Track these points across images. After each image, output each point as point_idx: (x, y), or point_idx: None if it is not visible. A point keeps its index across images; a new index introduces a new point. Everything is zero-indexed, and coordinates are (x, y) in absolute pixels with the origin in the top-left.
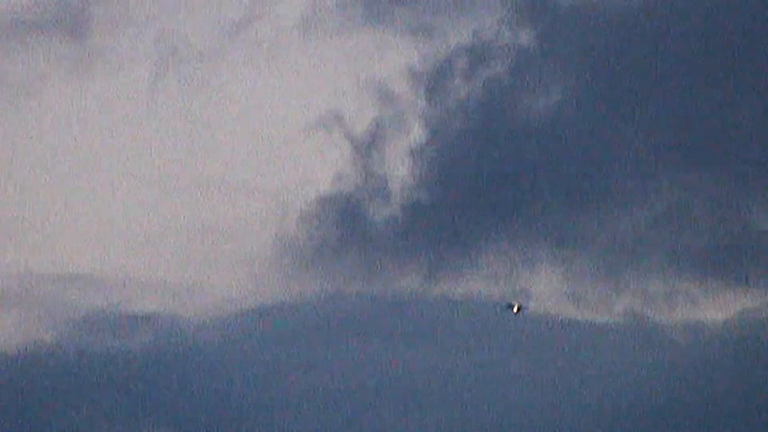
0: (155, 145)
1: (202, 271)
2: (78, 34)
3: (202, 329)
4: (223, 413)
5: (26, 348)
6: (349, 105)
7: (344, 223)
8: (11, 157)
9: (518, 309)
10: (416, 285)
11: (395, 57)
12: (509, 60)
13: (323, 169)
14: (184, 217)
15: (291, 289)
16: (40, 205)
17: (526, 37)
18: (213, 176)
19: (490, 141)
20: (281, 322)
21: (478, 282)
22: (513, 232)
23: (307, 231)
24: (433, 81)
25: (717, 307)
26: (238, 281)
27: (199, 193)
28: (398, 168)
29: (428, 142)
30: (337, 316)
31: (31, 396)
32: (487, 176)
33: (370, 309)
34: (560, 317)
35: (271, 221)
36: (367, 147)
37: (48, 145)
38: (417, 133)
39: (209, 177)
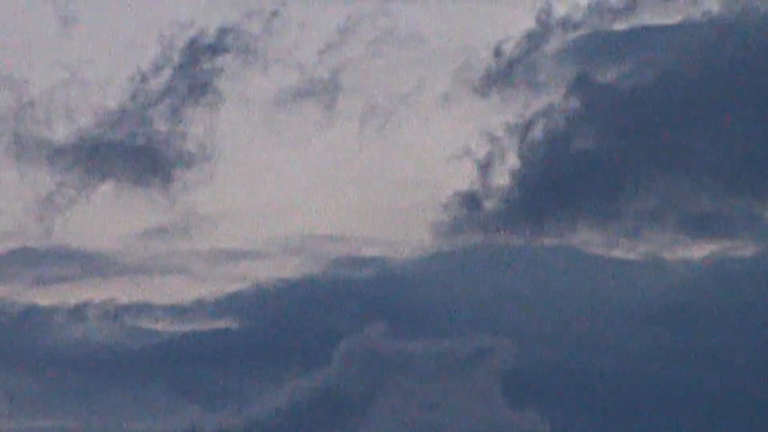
0: (369, 164)
1: (402, 231)
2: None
3: (405, 266)
4: (418, 314)
5: (304, 278)
6: (474, 143)
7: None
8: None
9: None
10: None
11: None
12: (566, 117)
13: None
14: (390, 201)
15: (454, 243)
16: (307, 193)
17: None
18: (403, 179)
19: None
20: (451, 263)
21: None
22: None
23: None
24: None
25: None
26: (423, 237)
27: (395, 188)
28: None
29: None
30: (482, 259)
31: (306, 305)
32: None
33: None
34: None
35: (434, 205)
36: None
37: None
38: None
39: (401, 179)
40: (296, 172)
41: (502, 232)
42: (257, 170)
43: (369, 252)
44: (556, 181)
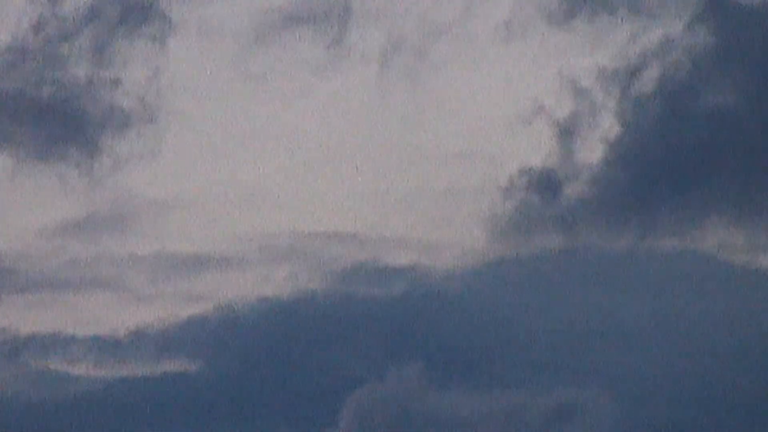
0: (395, 127)
1: (444, 228)
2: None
3: (448, 279)
4: (467, 351)
5: (297, 295)
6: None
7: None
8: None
9: None
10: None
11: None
12: (690, 59)
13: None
14: (425, 183)
15: (520, 245)
16: (301, 172)
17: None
18: (444, 151)
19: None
20: (515, 274)
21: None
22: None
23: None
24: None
25: None
26: (474, 237)
27: (434, 164)
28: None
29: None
30: (562, 269)
31: (301, 336)
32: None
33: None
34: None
35: (490, 189)
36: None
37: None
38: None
39: (441, 152)
40: (284, 140)
41: (590, 230)
42: (224, 137)
43: (394, 259)
44: (675, 156)
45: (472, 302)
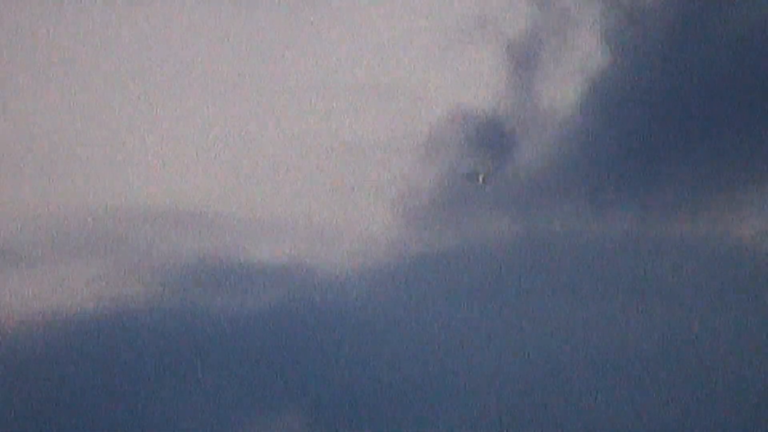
0: (271, 46)
1: (341, 206)
2: None
3: (342, 285)
4: (368, 392)
5: (111, 306)
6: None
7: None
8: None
9: (483, 178)
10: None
11: None
12: None
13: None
14: (316, 135)
15: (450, 234)
16: (122, 124)
17: None
18: (350, 84)
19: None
20: (442, 277)
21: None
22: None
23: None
24: None
25: None
26: (382, 222)
27: (333, 104)
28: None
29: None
30: (515, 269)
31: (119, 366)
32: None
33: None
34: None
35: (405, 147)
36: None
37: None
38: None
39: (345, 85)
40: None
41: (559, 209)
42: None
43: (264, 253)
44: (690, 98)
45: (378, 319)
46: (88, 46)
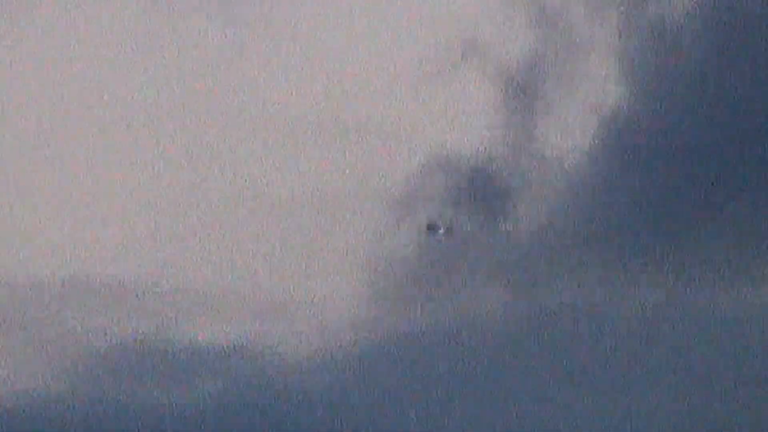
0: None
1: (299, 273)
2: None
3: (294, 376)
4: None
5: (9, 401)
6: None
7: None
8: None
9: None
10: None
11: None
12: None
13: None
14: (269, 182)
15: (431, 307)
16: (17, 173)
17: None
18: (313, 120)
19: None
20: (423, 365)
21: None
22: None
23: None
24: None
25: None
26: (356, 290)
27: (293, 144)
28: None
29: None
30: (511, 353)
31: None
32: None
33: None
34: None
35: (377, 197)
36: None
37: None
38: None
39: (307, 120)
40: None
41: (567, 278)
42: None
43: (194, 332)
44: (735, 136)
45: (344, 418)
46: None
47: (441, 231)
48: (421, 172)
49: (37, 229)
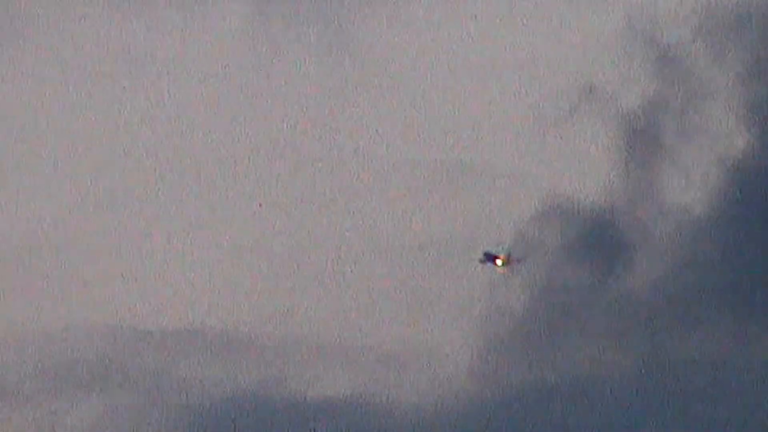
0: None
1: (415, 326)
2: None
3: (417, 422)
4: None
5: None
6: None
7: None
8: None
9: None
10: None
11: None
12: None
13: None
14: (383, 232)
15: (548, 363)
16: (133, 225)
17: None
18: (423, 163)
19: None
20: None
21: None
22: None
23: None
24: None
25: None
26: (471, 343)
27: (403, 191)
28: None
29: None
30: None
31: None
32: None
33: None
34: None
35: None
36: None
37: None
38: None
39: (415, 164)
40: None
41: (694, 328)
42: None
43: (312, 384)
44: None
45: None
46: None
47: (500, 262)
48: (536, 221)
49: (152, 282)
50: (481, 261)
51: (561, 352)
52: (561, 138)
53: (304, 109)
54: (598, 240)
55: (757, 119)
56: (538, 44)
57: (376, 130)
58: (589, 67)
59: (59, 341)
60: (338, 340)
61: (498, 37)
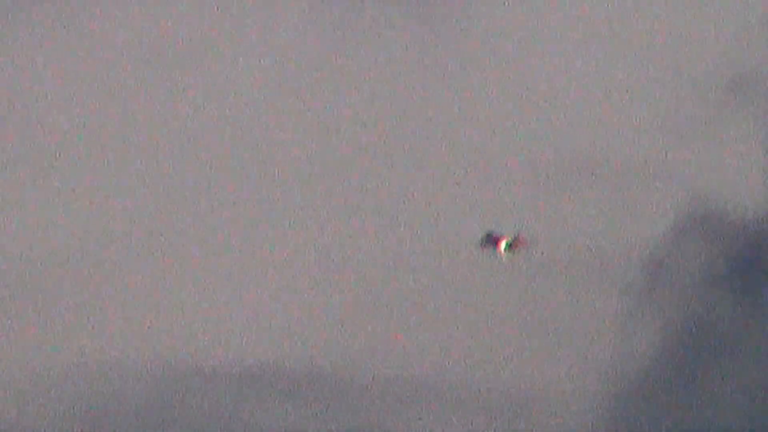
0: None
1: (531, 365)
2: None
3: None
4: None
5: None
6: None
7: None
8: None
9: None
10: None
11: None
12: None
13: None
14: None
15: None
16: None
17: None
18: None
19: None
20: None
21: None
22: None
23: None
24: None
25: None
26: (594, 388)
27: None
28: None
29: None
30: None
31: None
32: None
33: None
34: None
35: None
36: None
37: None
38: None
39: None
40: None
41: None
42: None
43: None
44: None
45: None
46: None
47: (502, 247)
48: (673, 234)
49: (216, 309)
50: (482, 244)
51: (702, 401)
52: (708, 134)
53: (394, 95)
54: (749, 262)
55: None
56: (678, 26)
57: (485, 121)
58: (739, 57)
59: (100, 380)
60: (447, 379)
61: (632, 17)
